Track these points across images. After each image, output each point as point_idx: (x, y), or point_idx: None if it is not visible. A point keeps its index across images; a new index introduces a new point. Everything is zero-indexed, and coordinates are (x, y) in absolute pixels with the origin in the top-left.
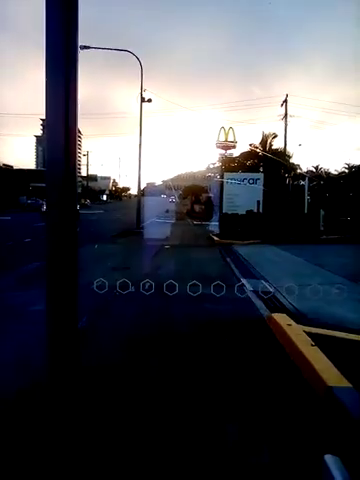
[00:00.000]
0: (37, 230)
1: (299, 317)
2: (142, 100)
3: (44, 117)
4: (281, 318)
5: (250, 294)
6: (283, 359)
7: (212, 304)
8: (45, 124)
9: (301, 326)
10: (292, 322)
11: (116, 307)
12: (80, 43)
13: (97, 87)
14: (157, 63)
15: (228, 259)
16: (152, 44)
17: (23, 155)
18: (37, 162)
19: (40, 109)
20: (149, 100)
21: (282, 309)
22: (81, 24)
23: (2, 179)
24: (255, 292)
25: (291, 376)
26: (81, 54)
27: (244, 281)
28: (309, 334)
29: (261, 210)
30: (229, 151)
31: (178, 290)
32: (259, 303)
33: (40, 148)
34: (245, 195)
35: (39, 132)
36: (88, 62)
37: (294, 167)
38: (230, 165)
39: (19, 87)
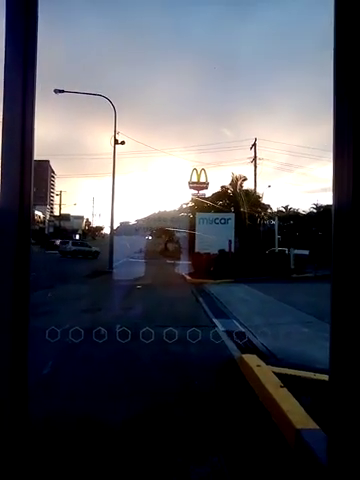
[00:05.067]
0: None
1: (269, 357)
2: (115, 142)
3: None
4: (251, 359)
5: (221, 334)
6: (252, 402)
7: (182, 346)
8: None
9: (270, 367)
10: (261, 363)
11: (84, 353)
12: (55, 87)
13: (71, 129)
14: (129, 108)
15: (200, 299)
16: (124, 89)
17: None
18: None
19: None
20: (122, 142)
21: (253, 349)
22: (56, 67)
23: None
24: (226, 332)
25: (260, 419)
26: (55, 97)
27: (216, 321)
28: (278, 375)
29: (233, 249)
30: (201, 191)
31: (148, 332)
32: (230, 344)
33: None
34: (217, 234)
35: None
36: (62, 105)
37: (265, 207)
38: (203, 205)
39: None
